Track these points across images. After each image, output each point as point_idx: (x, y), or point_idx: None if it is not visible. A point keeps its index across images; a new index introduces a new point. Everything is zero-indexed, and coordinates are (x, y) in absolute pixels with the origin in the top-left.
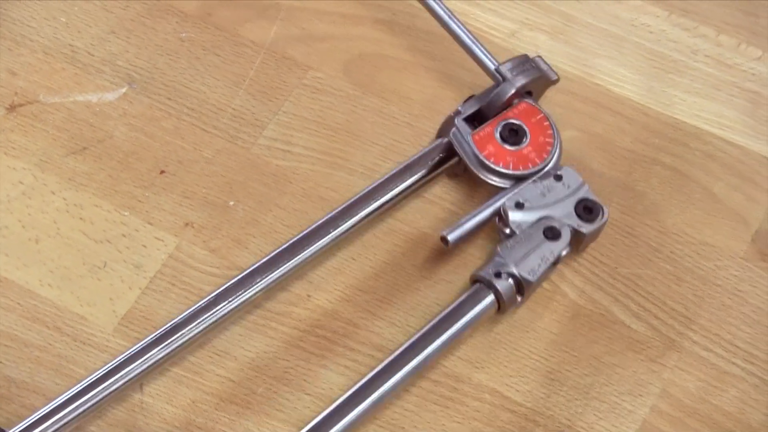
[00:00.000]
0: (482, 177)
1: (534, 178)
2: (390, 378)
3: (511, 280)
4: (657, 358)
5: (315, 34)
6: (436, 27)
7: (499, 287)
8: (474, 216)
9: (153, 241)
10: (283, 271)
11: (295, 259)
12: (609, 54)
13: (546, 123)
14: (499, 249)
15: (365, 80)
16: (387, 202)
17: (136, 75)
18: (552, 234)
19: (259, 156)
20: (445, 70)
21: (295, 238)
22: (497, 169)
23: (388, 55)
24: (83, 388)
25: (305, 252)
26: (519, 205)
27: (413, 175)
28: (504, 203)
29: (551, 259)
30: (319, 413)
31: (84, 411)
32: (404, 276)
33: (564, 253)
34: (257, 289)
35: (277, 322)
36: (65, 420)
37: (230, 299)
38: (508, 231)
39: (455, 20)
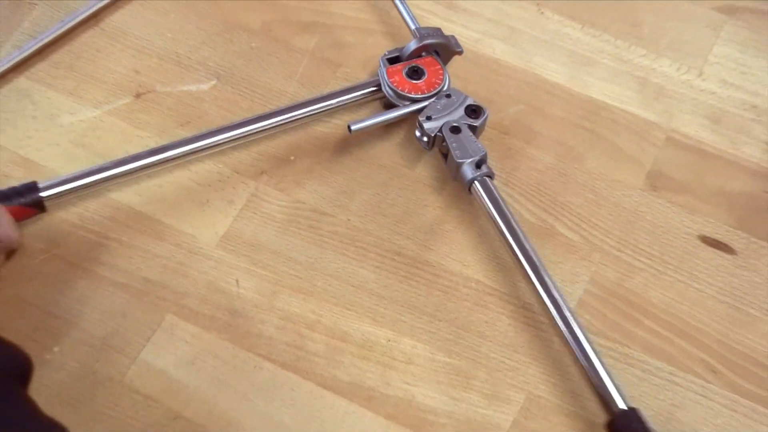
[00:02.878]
0: (388, 96)
1: (433, 99)
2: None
3: (483, 166)
4: (586, 257)
5: (342, 42)
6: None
7: (487, 171)
8: (376, 117)
9: (240, 184)
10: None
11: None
12: (543, 54)
13: (440, 72)
14: (458, 161)
15: (374, 70)
16: (327, 107)
17: (221, 72)
18: (455, 130)
19: (309, 125)
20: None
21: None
22: (397, 90)
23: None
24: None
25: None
26: (428, 118)
27: (352, 93)
28: (419, 118)
29: (470, 122)
30: None
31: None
32: (416, 204)
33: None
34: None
35: (330, 238)
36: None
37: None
38: (426, 139)
39: None
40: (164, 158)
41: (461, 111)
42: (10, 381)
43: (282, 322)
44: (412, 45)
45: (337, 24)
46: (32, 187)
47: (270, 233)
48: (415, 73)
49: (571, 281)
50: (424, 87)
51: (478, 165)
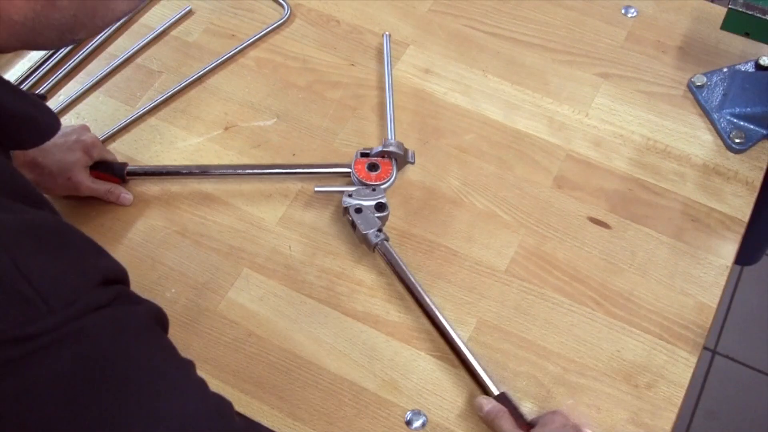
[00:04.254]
0: (352, 178)
1: (365, 188)
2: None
3: (380, 233)
4: (516, 231)
5: (358, 94)
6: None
7: (384, 236)
8: (332, 188)
9: (291, 185)
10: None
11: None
12: (487, 102)
13: (392, 170)
14: (363, 232)
15: (380, 114)
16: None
17: (280, 113)
18: (357, 211)
19: (336, 147)
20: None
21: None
22: (357, 177)
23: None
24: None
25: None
26: (350, 195)
27: (336, 168)
28: (344, 194)
29: (375, 214)
30: None
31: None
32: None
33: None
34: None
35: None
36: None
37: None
38: (348, 215)
39: (391, 110)
40: (204, 172)
41: (373, 201)
42: (158, 327)
43: (319, 273)
44: (377, 149)
45: (354, 83)
46: (124, 165)
47: (311, 216)
48: (373, 168)
49: (506, 246)
50: (376, 178)
51: (379, 230)
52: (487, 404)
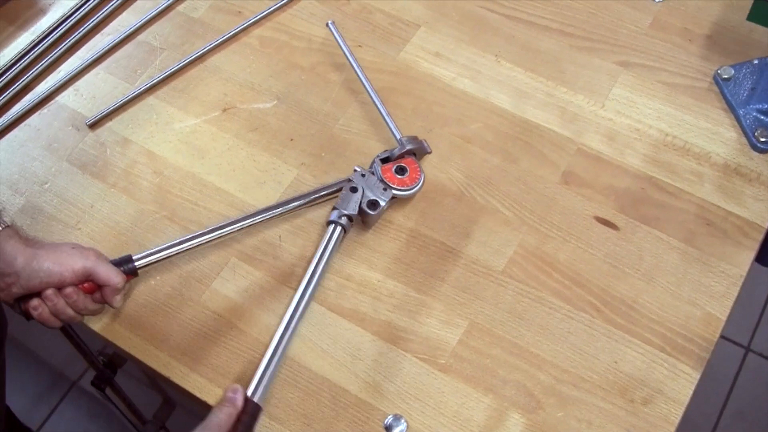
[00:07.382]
0: (380, 184)
1: (380, 182)
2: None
3: (344, 218)
4: (517, 228)
5: (351, 78)
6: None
7: (346, 224)
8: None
9: (287, 171)
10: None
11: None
12: (496, 89)
13: (418, 170)
14: (335, 206)
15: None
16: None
17: (280, 95)
18: (353, 190)
19: (336, 133)
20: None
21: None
22: (388, 183)
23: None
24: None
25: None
26: (363, 175)
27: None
28: (350, 182)
29: (358, 203)
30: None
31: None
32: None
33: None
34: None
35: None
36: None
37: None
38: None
39: (384, 109)
40: (217, 235)
41: (371, 196)
42: None
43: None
44: (396, 151)
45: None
46: (128, 259)
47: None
48: (401, 171)
49: (505, 245)
50: (407, 181)
51: (349, 218)
52: None
